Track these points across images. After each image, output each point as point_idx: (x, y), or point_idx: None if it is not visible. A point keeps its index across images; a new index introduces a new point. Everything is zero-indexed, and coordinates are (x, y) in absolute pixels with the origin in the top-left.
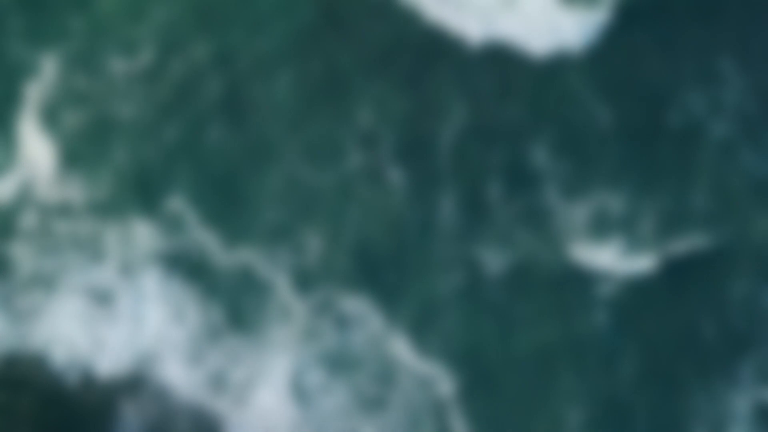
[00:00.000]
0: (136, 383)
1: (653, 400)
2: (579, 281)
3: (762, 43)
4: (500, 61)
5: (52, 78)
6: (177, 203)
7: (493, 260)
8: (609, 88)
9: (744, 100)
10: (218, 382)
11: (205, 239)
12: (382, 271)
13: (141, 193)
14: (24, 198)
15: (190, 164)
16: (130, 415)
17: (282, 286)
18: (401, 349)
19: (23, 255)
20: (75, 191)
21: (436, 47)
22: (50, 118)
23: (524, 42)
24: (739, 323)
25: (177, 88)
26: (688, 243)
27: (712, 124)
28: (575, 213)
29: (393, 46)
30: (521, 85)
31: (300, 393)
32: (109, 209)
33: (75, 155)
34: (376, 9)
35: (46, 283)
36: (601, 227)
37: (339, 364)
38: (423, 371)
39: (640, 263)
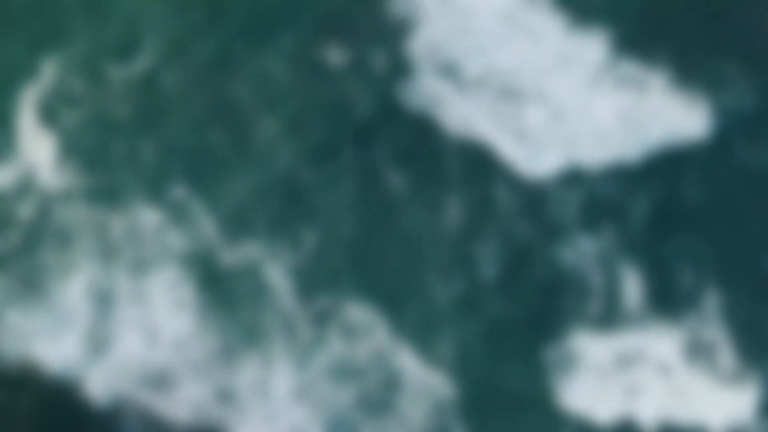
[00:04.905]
0: (137, 384)
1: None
2: (578, 283)
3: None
4: None
5: (52, 74)
6: (179, 200)
7: (496, 264)
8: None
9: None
10: (223, 386)
11: (209, 237)
12: (385, 278)
13: (143, 186)
14: (24, 190)
15: (191, 159)
16: (132, 416)
17: (284, 293)
18: (405, 358)
19: (23, 250)
20: (75, 184)
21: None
22: (50, 110)
23: None
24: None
25: (175, 87)
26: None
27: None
28: (572, 208)
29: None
30: None
31: (305, 400)
32: (111, 202)
33: (75, 148)
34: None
35: (46, 277)
36: (595, 221)
37: (344, 372)
38: (427, 379)
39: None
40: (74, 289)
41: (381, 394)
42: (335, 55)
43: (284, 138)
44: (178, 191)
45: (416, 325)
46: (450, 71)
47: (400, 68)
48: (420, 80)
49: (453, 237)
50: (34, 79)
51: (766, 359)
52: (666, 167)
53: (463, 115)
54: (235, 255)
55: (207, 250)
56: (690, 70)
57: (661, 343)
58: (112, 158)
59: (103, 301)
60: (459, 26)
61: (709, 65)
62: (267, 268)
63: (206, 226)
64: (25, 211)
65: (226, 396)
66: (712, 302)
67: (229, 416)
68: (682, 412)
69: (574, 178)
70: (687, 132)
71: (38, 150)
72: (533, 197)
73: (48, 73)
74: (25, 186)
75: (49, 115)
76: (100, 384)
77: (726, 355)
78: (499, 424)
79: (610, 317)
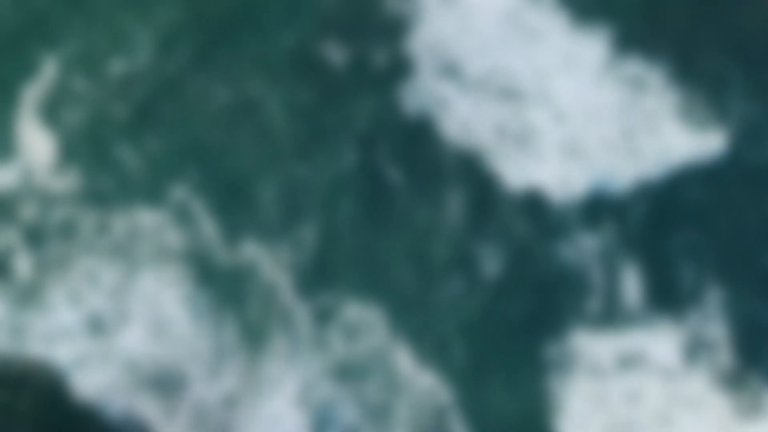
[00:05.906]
0: (138, 383)
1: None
2: (579, 281)
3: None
4: None
5: (52, 73)
6: (179, 199)
7: (496, 264)
8: None
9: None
10: (223, 385)
11: (209, 236)
12: (385, 277)
13: (143, 186)
14: (24, 190)
15: (191, 158)
16: (131, 416)
17: (284, 293)
18: (405, 358)
19: (23, 249)
20: (75, 183)
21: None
22: (50, 109)
23: None
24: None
25: (176, 86)
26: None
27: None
28: (573, 206)
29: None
30: None
31: (307, 404)
32: (111, 201)
33: (75, 147)
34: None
35: (46, 277)
36: (595, 218)
37: (344, 372)
38: (426, 379)
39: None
40: (74, 289)
41: (380, 394)
42: (335, 55)
43: (284, 137)
44: (179, 190)
45: (416, 325)
46: (451, 71)
47: (401, 68)
48: (421, 80)
49: (453, 236)
50: (34, 79)
51: (766, 358)
52: (666, 165)
53: (464, 115)
54: (235, 254)
55: (207, 249)
56: (691, 69)
57: (661, 343)
58: (112, 157)
59: (104, 301)
60: (460, 26)
61: (709, 65)
62: (267, 267)
63: (206, 224)
64: (26, 210)
65: (225, 395)
66: (713, 300)
67: (228, 416)
68: (683, 414)
69: (574, 176)
70: (687, 131)
71: (38, 150)
72: (534, 196)
73: (48, 72)
74: (25, 186)
75: (49, 114)
76: (100, 384)
77: (727, 354)
78: (498, 423)
79: (611, 315)
